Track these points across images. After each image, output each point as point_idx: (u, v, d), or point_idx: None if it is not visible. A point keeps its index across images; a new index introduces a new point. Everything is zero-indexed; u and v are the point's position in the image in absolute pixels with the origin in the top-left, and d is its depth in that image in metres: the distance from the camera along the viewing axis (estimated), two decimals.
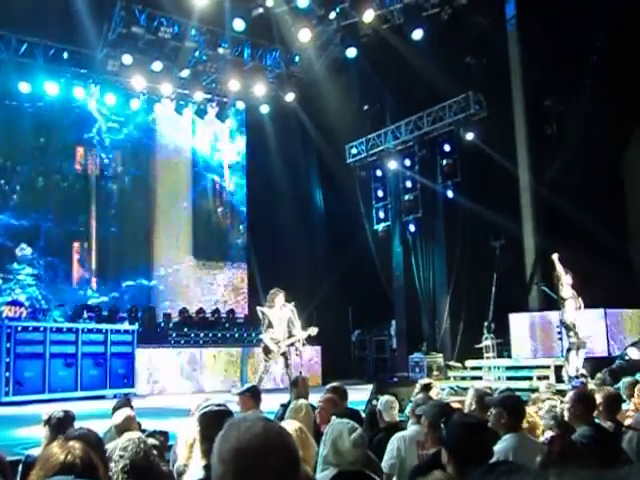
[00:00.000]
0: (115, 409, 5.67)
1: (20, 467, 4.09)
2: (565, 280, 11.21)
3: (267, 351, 10.58)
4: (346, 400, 6.01)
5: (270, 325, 10.58)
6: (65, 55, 16.69)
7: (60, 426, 4.37)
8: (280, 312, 10.61)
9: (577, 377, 10.69)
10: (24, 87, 16.41)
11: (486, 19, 15.27)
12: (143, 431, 5.31)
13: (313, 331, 10.82)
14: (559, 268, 11.17)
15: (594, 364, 11.55)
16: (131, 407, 5.82)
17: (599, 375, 10.39)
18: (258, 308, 11.01)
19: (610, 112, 13.33)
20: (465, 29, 15.19)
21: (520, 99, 15.38)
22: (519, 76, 15.34)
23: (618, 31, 13.00)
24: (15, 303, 13.14)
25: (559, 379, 11.53)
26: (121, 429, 4.84)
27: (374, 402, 7.00)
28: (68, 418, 4.60)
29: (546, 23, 13.91)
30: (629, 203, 15.40)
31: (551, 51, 13.70)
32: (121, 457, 3.17)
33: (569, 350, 11.36)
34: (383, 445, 4.86)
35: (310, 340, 11.69)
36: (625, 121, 14.12)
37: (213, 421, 3.11)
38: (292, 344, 10.66)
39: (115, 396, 13.38)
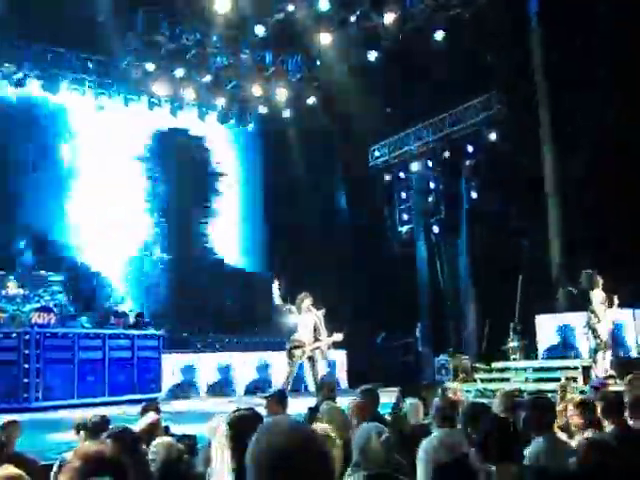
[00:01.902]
0: (142, 413, 5.71)
1: (55, 469, 4.13)
2: (597, 299, 11.11)
3: (291, 355, 10.60)
4: (378, 404, 6.01)
5: (295, 329, 10.62)
6: (89, 64, 16.92)
7: (97, 430, 4.42)
8: (306, 316, 10.62)
9: (605, 378, 10.57)
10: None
11: (508, 17, 15.16)
12: (171, 435, 5.36)
13: (338, 337, 10.83)
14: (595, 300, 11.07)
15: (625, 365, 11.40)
16: (158, 411, 5.86)
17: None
18: (287, 307, 10.98)
19: (634, 109, 13.16)
20: (487, 28, 15.10)
21: (544, 98, 15.23)
22: (542, 74, 15.19)
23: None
24: (44, 309, 13.29)
25: (587, 380, 11.40)
26: (147, 433, 4.88)
27: (400, 405, 6.98)
28: (104, 422, 4.64)
29: (569, 19, 13.78)
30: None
31: (574, 48, 13.57)
32: (153, 460, 3.20)
33: (596, 351, 11.25)
34: (411, 448, 4.84)
35: (335, 344, 11.69)
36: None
37: (244, 424, 3.13)
38: (317, 348, 10.66)
39: (142, 401, 13.51)
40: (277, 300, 10.86)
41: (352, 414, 5.29)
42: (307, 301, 10.67)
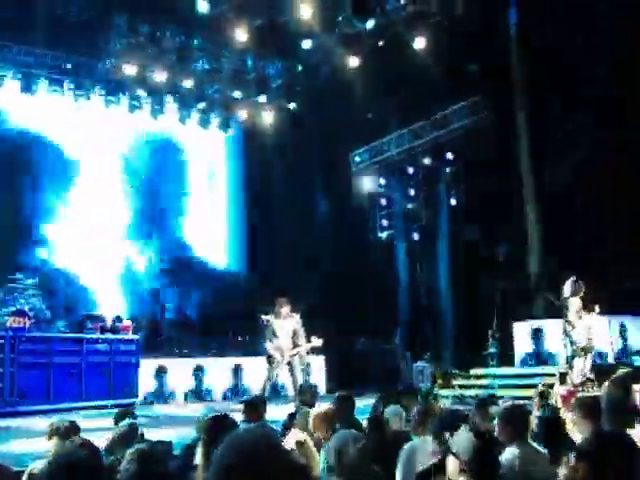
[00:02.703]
0: (117, 419, 5.65)
1: (24, 478, 4.05)
2: (573, 307, 11.17)
3: (270, 360, 10.57)
4: (353, 410, 5.98)
5: (274, 334, 10.58)
6: (68, 66, 16.77)
7: (66, 437, 4.35)
8: (285, 322, 10.60)
9: (581, 383, 10.63)
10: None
11: (488, 26, 15.28)
12: (145, 441, 5.30)
13: (317, 342, 10.82)
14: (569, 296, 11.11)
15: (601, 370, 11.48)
16: (134, 417, 5.80)
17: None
18: (263, 316, 10.99)
19: (614, 114, 13.31)
20: (468, 36, 15.20)
21: (523, 104, 15.35)
22: (522, 81, 15.32)
23: (622, 34, 12.98)
24: (19, 313, 13.12)
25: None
26: (124, 439, 4.83)
27: (380, 411, 6.96)
28: (74, 429, 4.58)
29: (548, 28, 13.91)
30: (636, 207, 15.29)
31: (554, 56, 13.70)
32: (129, 465, 3.17)
33: (573, 357, 11.32)
34: (391, 455, 4.82)
35: (314, 349, 11.67)
36: (629, 123, 14.07)
37: (217, 430, 3.11)
38: (296, 354, 10.65)
39: (118, 406, 13.37)
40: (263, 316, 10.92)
41: (324, 422, 5.23)
42: (286, 307, 10.66)
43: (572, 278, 11.24)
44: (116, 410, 6.34)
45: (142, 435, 5.46)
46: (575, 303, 11.20)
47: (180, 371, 15.52)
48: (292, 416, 6.35)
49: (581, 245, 12.98)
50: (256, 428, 1.85)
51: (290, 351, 10.54)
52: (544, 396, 7.20)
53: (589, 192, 13.57)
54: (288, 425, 6.15)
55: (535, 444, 4.43)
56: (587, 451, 2.59)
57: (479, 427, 3.94)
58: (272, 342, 10.57)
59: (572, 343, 11.27)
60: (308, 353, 11.03)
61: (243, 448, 1.53)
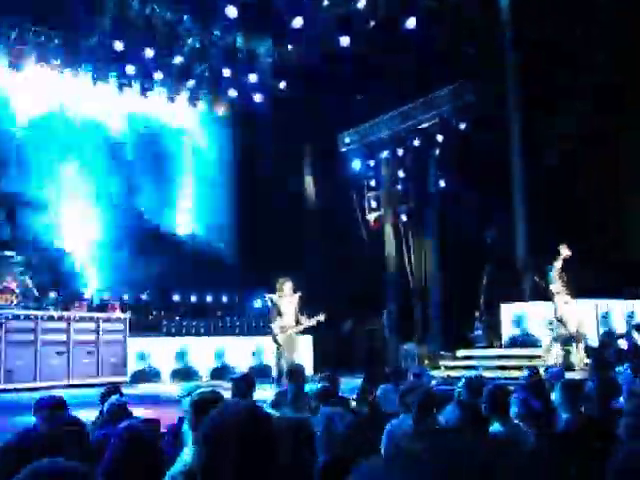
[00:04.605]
0: (104, 397, 5.65)
1: None
2: (559, 275, 11.25)
3: (277, 341, 10.63)
4: (338, 388, 6.02)
5: (279, 313, 10.62)
6: (56, 41, 16.55)
7: (51, 412, 4.34)
8: (290, 300, 10.66)
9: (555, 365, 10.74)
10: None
11: (480, 6, 15.22)
12: (135, 419, 5.31)
13: (321, 318, 10.90)
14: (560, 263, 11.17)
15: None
16: (121, 394, 5.81)
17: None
18: (267, 296, 11.01)
19: (606, 99, 13.35)
20: (458, 17, 15.14)
21: (514, 87, 15.32)
22: (513, 64, 15.28)
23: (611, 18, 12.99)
24: (6, 290, 13.06)
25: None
26: (112, 416, 4.84)
27: (366, 390, 7.03)
28: (59, 404, 4.56)
29: (540, 10, 13.88)
30: (624, 192, 15.42)
31: (545, 39, 13.68)
32: (117, 445, 3.17)
33: (555, 340, 11.43)
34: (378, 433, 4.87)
35: (305, 330, 11.71)
36: (620, 109, 14.13)
37: (206, 404, 3.11)
38: (301, 331, 10.78)
39: (106, 384, 13.37)
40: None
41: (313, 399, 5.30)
42: (288, 284, 10.69)
43: (557, 263, 11.31)
44: (103, 388, 6.34)
45: (130, 413, 5.48)
46: (560, 289, 11.28)
47: (165, 351, 15.54)
48: (279, 394, 6.39)
49: (569, 228, 13.04)
50: (240, 400, 1.87)
51: (294, 328, 10.62)
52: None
53: (583, 178, 13.65)
54: (276, 404, 6.20)
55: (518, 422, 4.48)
56: None
57: (466, 404, 3.98)
58: (277, 321, 10.61)
59: (554, 328, 11.39)
60: (298, 333, 11.04)
61: (225, 418, 1.55)
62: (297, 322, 10.66)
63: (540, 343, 13.27)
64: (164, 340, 15.86)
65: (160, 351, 15.45)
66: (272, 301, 10.76)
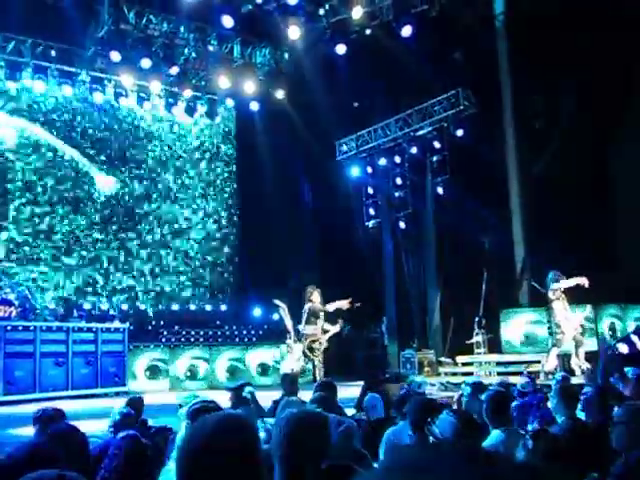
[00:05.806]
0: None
1: None
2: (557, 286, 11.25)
3: (312, 350, 10.70)
4: (336, 396, 6.03)
5: (317, 316, 10.75)
6: (53, 53, 16.59)
7: (50, 424, 4.33)
8: (315, 308, 10.76)
9: (553, 373, 10.73)
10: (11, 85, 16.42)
11: (475, 15, 15.28)
12: (149, 428, 5.34)
13: (342, 324, 11.04)
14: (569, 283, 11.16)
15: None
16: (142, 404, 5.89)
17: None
18: (276, 302, 11.19)
19: (596, 107, 13.40)
20: (454, 25, 15.20)
21: (508, 95, 15.39)
22: (507, 72, 15.35)
23: (605, 27, 13.04)
24: (5, 302, 13.06)
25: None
26: (124, 423, 4.86)
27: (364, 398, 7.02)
28: (58, 416, 4.57)
29: (534, 19, 13.93)
30: (617, 198, 15.45)
31: (539, 47, 13.72)
32: (116, 454, 3.19)
33: (554, 346, 11.42)
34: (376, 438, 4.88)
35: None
36: (611, 117, 14.19)
37: (199, 414, 3.12)
38: (329, 337, 10.91)
39: (106, 395, 13.38)
40: (287, 321, 11.07)
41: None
42: (316, 293, 10.77)
43: (554, 271, 11.34)
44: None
45: (145, 422, 5.50)
46: (558, 295, 11.29)
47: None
48: (276, 403, 6.39)
49: (566, 234, 13.07)
50: (223, 412, 1.87)
51: (324, 336, 10.74)
52: None
53: (577, 180, 13.68)
54: (273, 412, 6.19)
55: (519, 429, 4.49)
56: None
57: (461, 412, 3.98)
58: (311, 325, 10.72)
59: (554, 333, 11.39)
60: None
61: (194, 432, 1.56)
62: (324, 330, 10.80)
63: (540, 349, 13.30)
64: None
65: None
66: (309, 309, 10.87)
